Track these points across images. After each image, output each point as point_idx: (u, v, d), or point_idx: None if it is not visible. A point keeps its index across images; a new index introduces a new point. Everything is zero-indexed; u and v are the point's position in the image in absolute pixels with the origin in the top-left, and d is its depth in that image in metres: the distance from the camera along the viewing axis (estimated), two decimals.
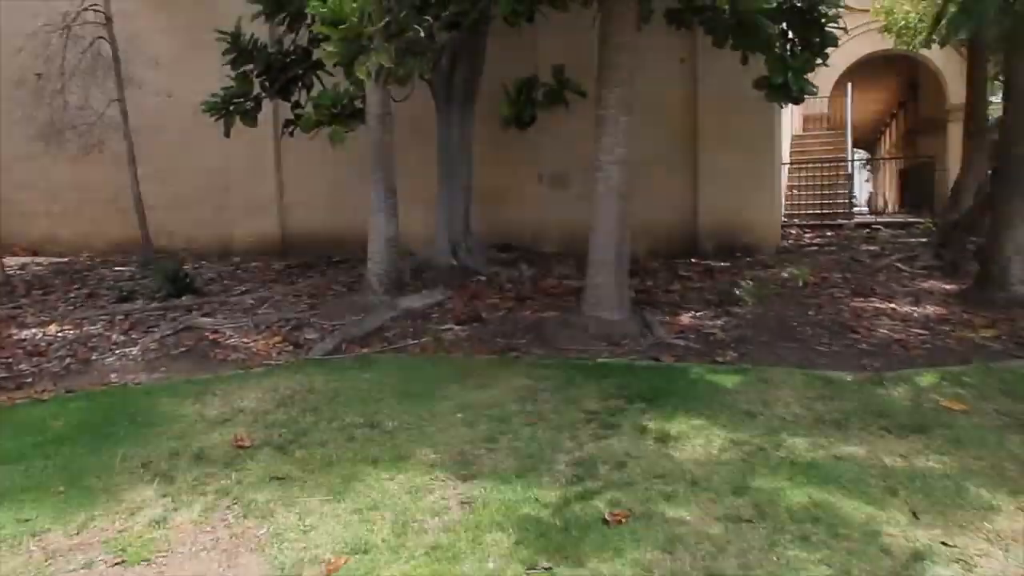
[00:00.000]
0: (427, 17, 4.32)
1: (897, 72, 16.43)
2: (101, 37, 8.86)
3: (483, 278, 6.87)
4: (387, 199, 5.97)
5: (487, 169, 8.27)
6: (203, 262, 9.38)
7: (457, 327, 5.34)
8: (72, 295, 7.16)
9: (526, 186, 9.03)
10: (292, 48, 7.19)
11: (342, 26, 4.01)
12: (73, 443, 3.56)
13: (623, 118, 4.97)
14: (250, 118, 6.91)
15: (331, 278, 7.34)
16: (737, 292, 5.76)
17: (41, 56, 8.88)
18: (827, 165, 11.65)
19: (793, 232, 9.38)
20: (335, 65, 4.57)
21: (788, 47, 5.60)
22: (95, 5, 8.79)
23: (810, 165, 11.58)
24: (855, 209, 11.25)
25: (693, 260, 7.97)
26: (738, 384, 4.01)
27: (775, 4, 5.29)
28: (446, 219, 7.85)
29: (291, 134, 7.71)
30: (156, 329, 5.64)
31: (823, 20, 5.36)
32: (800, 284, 6.19)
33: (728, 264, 7.44)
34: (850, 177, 11.56)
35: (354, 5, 4.01)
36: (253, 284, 7.29)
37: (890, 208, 14.95)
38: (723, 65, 8.04)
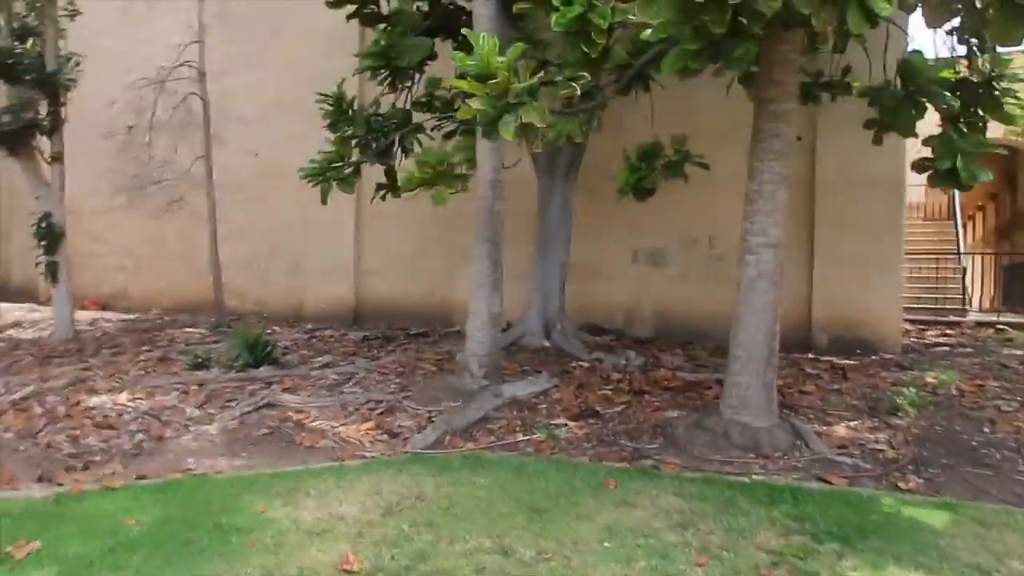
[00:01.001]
0: (583, 73, 3.84)
1: (988, 160, 15.65)
2: (193, 93, 8.73)
3: (584, 364, 6.23)
4: (492, 272, 5.43)
5: (575, 244, 7.73)
6: (275, 328, 8.96)
7: (571, 422, 4.69)
8: (143, 358, 6.74)
9: (617, 263, 8.46)
10: (392, 110, 6.86)
11: (491, 81, 3.54)
12: (149, 551, 2.98)
13: (780, 194, 4.37)
14: (348, 184, 6.52)
15: (416, 353, 6.79)
16: (892, 398, 5.00)
17: (132, 110, 8.78)
18: (937, 257, 10.85)
19: (908, 328, 8.56)
20: (476, 125, 4.10)
21: (956, 126, 4.99)
22: (191, 61, 8.69)
23: (917, 256, 10.81)
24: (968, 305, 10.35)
25: (811, 355, 7.22)
26: (947, 524, 3.26)
27: (951, 76, 4.72)
28: (541, 297, 7.30)
29: (383, 198, 7.33)
30: (234, 403, 5.12)
31: (1004, 95, 4.76)
32: (953, 392, 5.40)
33: (854, 362, 6.67)
34: (964, 271, 10.71)
35: (502, 59, 3.55)
36: (333, 356, 6.77)
37: (986, 305, 13.96)
38: (843, 144, 7.49)
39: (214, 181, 8.80)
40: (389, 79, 6.68)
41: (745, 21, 3.14)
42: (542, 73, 3.69)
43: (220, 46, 9.36)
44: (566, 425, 4.66)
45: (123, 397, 5.23)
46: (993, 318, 9.14)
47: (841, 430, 4.47)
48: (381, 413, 4.92)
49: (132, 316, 10.18)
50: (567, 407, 4.98)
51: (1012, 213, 16.07)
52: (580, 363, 6.27)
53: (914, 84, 4.83)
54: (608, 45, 3.68)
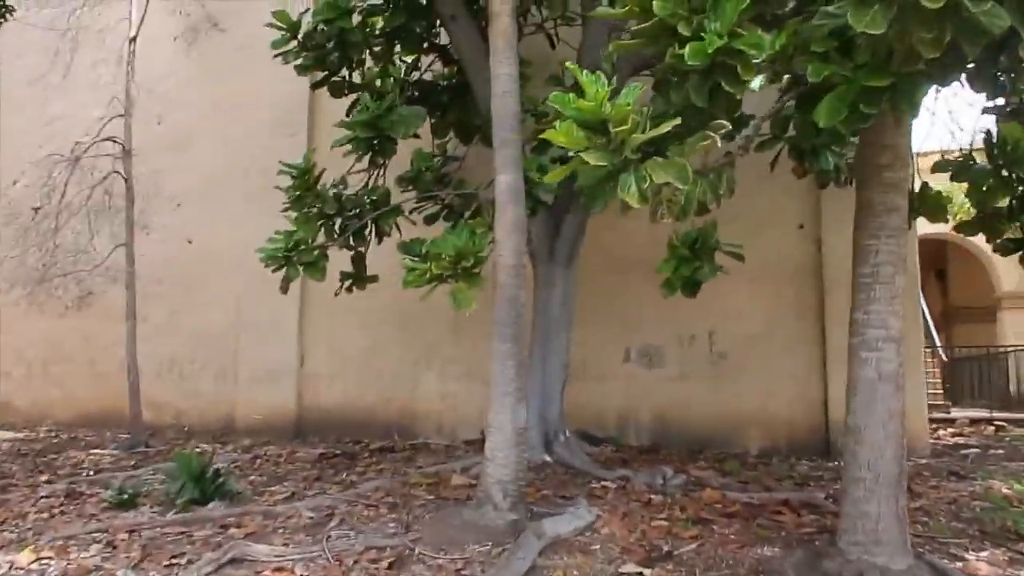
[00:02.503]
0: (722, 120, 3.02)
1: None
2: (116, 172, 7.52)
3: (608, 484, 5.22)
4: (517, 378, 4.43)
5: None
6: (202, 445, 7.53)
7: (644, 569, 3.65)
8: (44, 493, 5.25)
9: (607, 362, 7.60)
10: (370, 188, 5.92)
11: (619, 128, 2.68)
12: None
13: (899, 278, 3.65)
14: (317, 270, 5.46)
15: (397, 476, 5.60)
16: (998, 519, 4.23)
17: (41, 191, 7.46)
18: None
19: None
20: (584, 195, 3.20)
21: None
22: (114, 137, 7.52)
23: None
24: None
25: (835, 462, 6.46)
26: None
27: None
28: (539, 402, 6.28)
29: (348, 290, 6.27)
30: (184, 560, 3.80)
31: None
32: None
33: None
34: (944, 365, 10.45)
35: (625, 105, 2.71)
36: (295, 482, 5.49)
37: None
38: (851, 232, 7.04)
39: (134, 271, 7.49)
40: (371, 153, 5.75)
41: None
42: (675, 120, 2.86)
43: (149, 121, 8.25)
44: (640, 574, 3.60)
45: (23, 558, 3.82)
46: (984, 414, 8.76)
47: (983, 567, 3.62)
48: (390, 566, 3.73)
49: (20, 435, 8.45)
50: (627, 547, 3.94)
51: (943, 309, 16.40)
52: (603, 483, 5.25)
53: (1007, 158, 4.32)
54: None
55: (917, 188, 5.76)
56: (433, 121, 6.70)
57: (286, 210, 6.00)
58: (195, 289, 9.00)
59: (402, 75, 6.07)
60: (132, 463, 6.50)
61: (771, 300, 7.16)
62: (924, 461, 6.24)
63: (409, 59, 6.62)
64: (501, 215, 4.40)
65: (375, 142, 5.50)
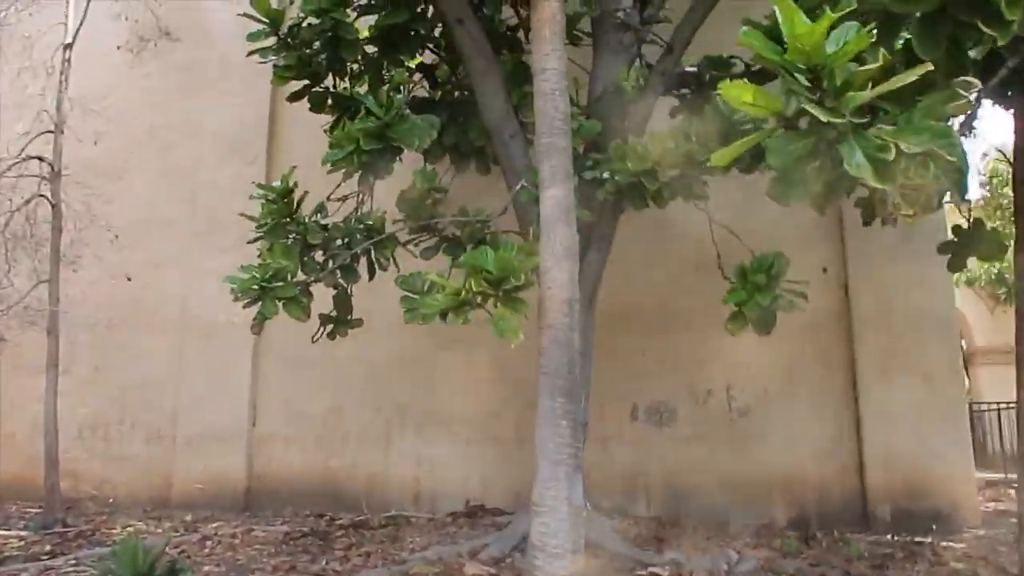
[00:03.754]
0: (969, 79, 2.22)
1: None
2: (42, 195, 6.38)
3: (656, 570, 4.31)
4: (573, 441, 3.52)
5: None
6: (132, 523, 6.29)
7: None
8: None
9: (612, 420, 6.71)
10: (366, 214, 5.01)
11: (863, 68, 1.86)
12: None
13: None
14: (299, 307, 4.47)
15: (390, 563, 4.56)
16: None
17: None
18: None
19: None
20: (776, 185, 2.33)
21: None
22: (42, 156, 6.40)
23: None
24: None
25: (877, 535, 5.73)
26: None
27: None
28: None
29: (330, 336, 5.28)
30: None
31: None
32: None
33: (962, 546, 5.22)
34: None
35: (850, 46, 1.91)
36: (264, 575, 4.38)
37: None
38: (882, 276, 6.48)
39: (59, 312, 6.29)
40: (362, 172, 4.84)
41: None
42: (926, 66, 2.05)
43: (84, 141, 7.14)
44: None
45: None
46: (999, 476, 8.27)
47: None
48: None
49: None
50: None
51: None
52: (651, 569, 4.33)
53: None
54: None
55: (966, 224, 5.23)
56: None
57: (256, 240, 5.02)
58: (129, 336, 7.78)
59: (397, 87, 5.23)
60: (46, 548, 5.23)
61: (794, 350, 6.47)
62: (983, 533, 5.57)
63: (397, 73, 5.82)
64: (549, 237, 3.57)
65: (371, 158, 4.60)
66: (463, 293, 3.53)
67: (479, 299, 3.62)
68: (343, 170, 4.92)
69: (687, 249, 6.65)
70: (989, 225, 5.33)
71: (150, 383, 7.62)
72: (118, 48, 7.42)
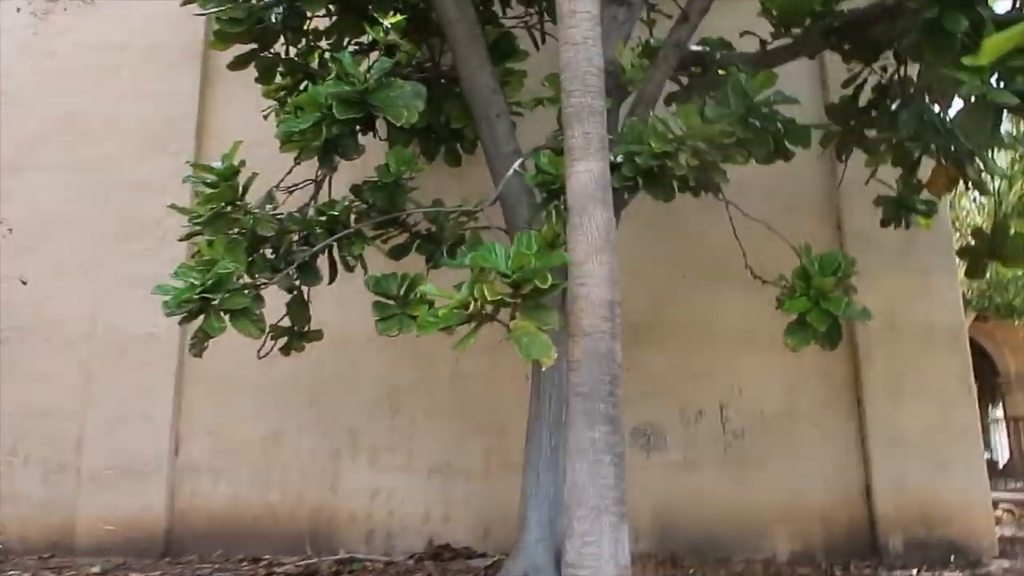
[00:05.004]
0: None
1: None
2: None
3: None
4: (617, 481, 2.78)
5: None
6: (24, 575, 5.19)
7: None
8: None
9: None
10: (332, 202, 4.17)
11: None
12: None
13: None
14: (251, 321, 3.57)
15: None
16: None
17: None
18: None
19: None
20: None
21: None
22: None
23: None
24: None
25: (888, 568, 5.19)
26: None
27: None
28: (544, 507, 4.54)
29: (284, 351, 4.40)
30: None
31: None
32: None
33: None
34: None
35: None
36: None
37: None
38: (885, 287, 6.00)
39: None
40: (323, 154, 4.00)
41: None
42: None
43: None
44: None
45: None
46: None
47: None
48: None
49: None
50: None
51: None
52: None
53: None
54: None
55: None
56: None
57: (191, 237, 4.12)
58: (25, 353, 6.61)
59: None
60: None
61: (794, 367, 5.90)
62: (1009, 565, 5.09)
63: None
64: (582, 222, 2.83)
65: (340, 132, 3.77)
66: (472, 305, 2.74)
67: (490, 309, 2.85)
68: (296, 153, 4.11)
69: (674, 253, 6.10)
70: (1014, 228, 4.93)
71: (51, 408, 6.46)
72: (18, 10, 6.32)
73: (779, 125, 4.20)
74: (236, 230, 3.75)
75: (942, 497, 5.54)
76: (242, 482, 6.33)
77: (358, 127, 3.91)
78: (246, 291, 3.48)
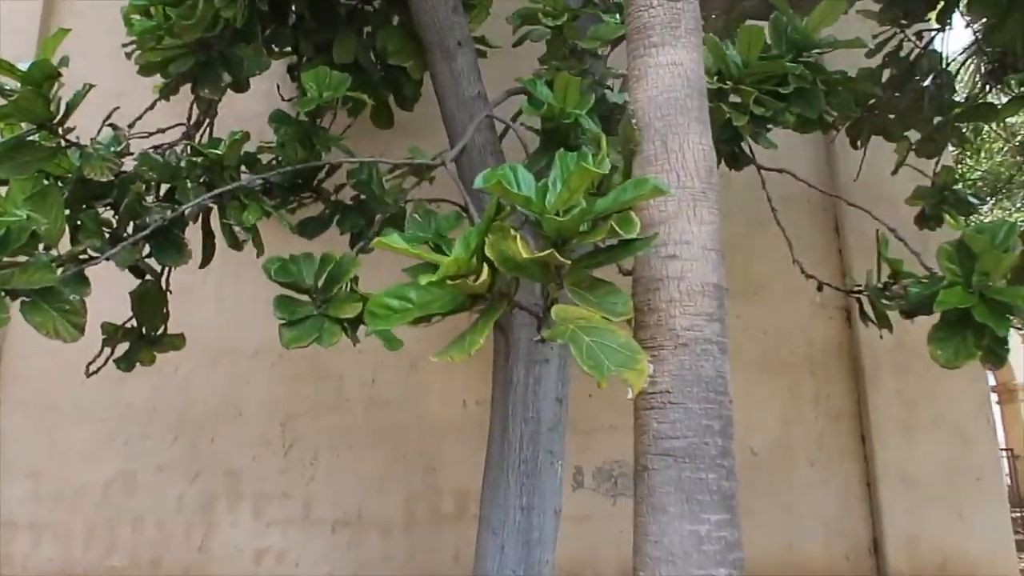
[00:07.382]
0: None
1: None
2: None
3: None
4: (731, 532, 1.54)
5: (471, 463, 3.93)
6: None
7: None
8: None
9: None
10: (217, 142, 2.77)
11: None
12: None
13: None
14: (58, 312, 2.08)
15: None
16: None
17: None
18: None
19: None
20: None
21: None
22: None
23: None
24: None
25: None
26: None
27: None
28: (521, 550, 3.21)
29: (124, 364, 2.96)
30: None
31: None
32: None
33: None
34: None
35: None
36: None
37: None
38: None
39: None
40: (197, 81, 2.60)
41: None
42: None
43: None
44: None
45: None
46: None
47: None
48: None
49: None
50: None
51: None
52: None
53: None
54: None
55: None
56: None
57: None
58: None
59: None
60: None
61: (787, 394, 4.94)
62: None
63: None
64: (666, 151, 1.62)
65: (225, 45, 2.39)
66: (481, 276, 1.45)
67: (506, 284, 1.57)
68: (160, 82, 2.72)
69: None
70: None
71: None
72: None
73: (822, 84, 3.19)
74: (50, 170, 2.30)
75: (962, 549, 4.66)
76: (75, 541, 4.69)
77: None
78: (54, 263, 2.03)
